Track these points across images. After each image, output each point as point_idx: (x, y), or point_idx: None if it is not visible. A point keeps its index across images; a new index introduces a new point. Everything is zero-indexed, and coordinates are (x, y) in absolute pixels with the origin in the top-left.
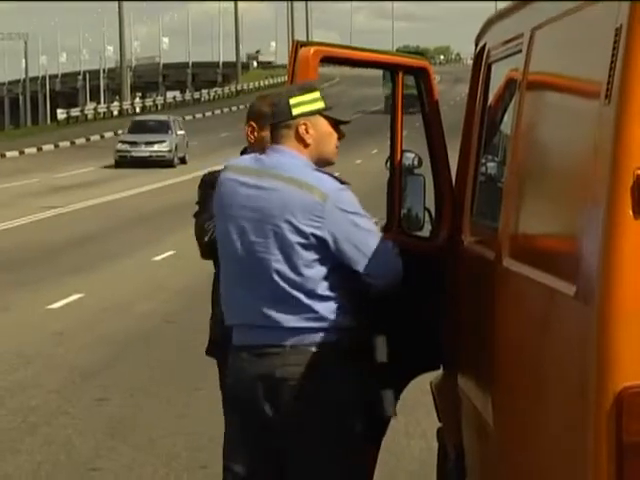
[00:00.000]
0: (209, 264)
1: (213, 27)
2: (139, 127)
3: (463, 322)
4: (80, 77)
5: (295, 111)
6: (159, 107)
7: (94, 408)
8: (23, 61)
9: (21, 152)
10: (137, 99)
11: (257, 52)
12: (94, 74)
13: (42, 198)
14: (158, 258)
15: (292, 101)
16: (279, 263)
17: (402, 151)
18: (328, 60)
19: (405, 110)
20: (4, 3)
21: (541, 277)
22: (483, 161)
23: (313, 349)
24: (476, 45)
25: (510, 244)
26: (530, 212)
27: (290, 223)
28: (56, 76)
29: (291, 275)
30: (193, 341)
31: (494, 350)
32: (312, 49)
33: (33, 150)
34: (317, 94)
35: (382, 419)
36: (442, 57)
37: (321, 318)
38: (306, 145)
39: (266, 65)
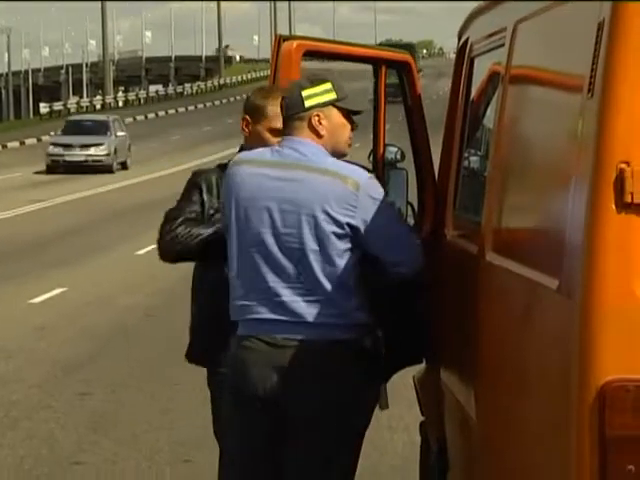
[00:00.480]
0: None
1: (196, 21)
2: (74, 128)
3: (446, 316)
4: (63, 71)
5: (308, 103)
6: (142, 101)
7: (76, 402)
8: (6, 55)
9: (4, 146)
10: (120, 93)
11: (226, 47)
12: (77, 68)
13: (25, 192)
14: (141, 252)
15: (304, 93)
16: (314, 253)
17: (385, 145)
18: (311, 54)
19: (393, 99)
20: None
21: (524, 271)
22: (466, 155)
23: (335, 345)
24: (459, 39)
25: (493, 238)
26: (513, 206)
27: (326, 213)
28: (39, 70)
29: (324, 265)
30: (175, 336)
31: (477, 344)
32: (295, 43)
33: (16, 144)
34: (329, 85)
35: None
36: (425, 51)
37: (345, 315)
38: (320, 136)
39: (246, 60)
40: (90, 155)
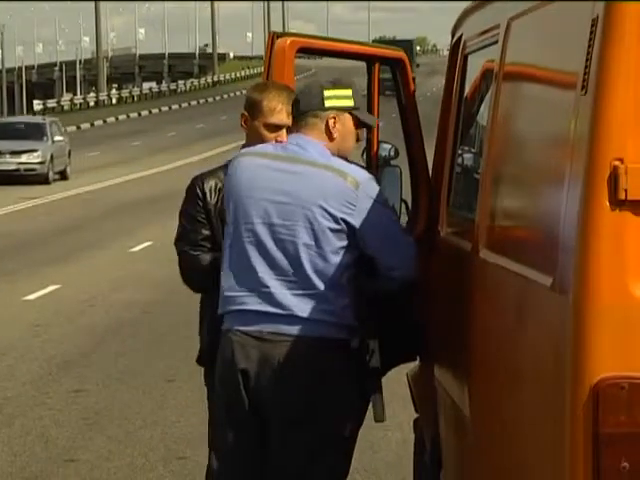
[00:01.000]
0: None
1: (189, 18)
2: (4, 132)
3: (440, 313)
4: (56, 68)
5: (328, 103)
6: (135, 98)
7: (71, 399)
8: None
9: None
10: (113, 90)
11: (205, 46)
12: (70, 65)
13: (20, 189)
14: (135, 249)
15: (327, 93)
16: (307, 247)
17: (378, 142)
18: (304, 51)
19: (392, 93)
20: None
21: (518, 268)
22: (460, 152)
23: (322, 342)
24: (452, 36)
25: (487, 235)
26: (507, 203)
27: (323, 208)
28: (32, 67)
29: (317, 260)
30: (169, 332)
31: (470, 341)
32: (288, 40)
33: None
34: (350, 92)
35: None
36: (418, 48)
37: (335, 312)
38: (332, 139)
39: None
40: (22, 163)
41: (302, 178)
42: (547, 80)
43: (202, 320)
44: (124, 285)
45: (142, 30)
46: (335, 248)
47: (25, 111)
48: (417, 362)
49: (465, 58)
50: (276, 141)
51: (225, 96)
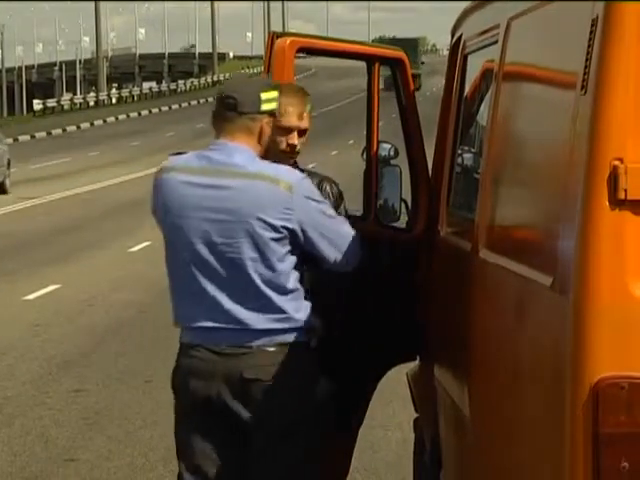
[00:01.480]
0: None
1: (189, 18)
2: None
3: (440, 313)
4: (56, 68)
5: (264, 106)
6: (135, 98)
7: (71, 399)
8: None
9: None
10: (113, 90)
11: (192, 46)
12: (70, 65)
13: (19, 189)
14: (134, 249)
15: (264, 96)
16: (253, 261)
17: (378, 142)
18: (304, 51)
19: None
20: None
21: (517, 268)
22: (459, 152)
23: (282, 349)
24: (452, 36)
25: (487, 235)
26: (507, 203)
27: (262, 220)
28: (32, 67)
29: (265, 271)
30: (168, 332)
31: (470, 341)
32: (288, 40)
33: (9, 141)
34: (277, 94)
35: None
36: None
37: (289, 318)
38: (261, 142)
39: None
40: None
41: (236, 193)
42: (547, 80)
43: None
44: (124, 285)
45: (142, 30)
46: (280, 256)
47: (25, 111)
48: (417, 362)
49: (465, 58)
50: (287, 144)
51: None
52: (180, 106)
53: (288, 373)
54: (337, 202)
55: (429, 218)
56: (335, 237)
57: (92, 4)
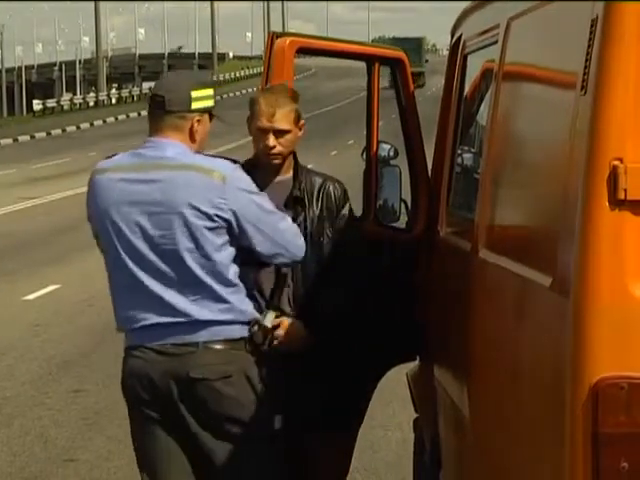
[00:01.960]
0: None
1: (189, 18)
2: None
3: (439, 313)
4: (56, 68)
5: (194, 104)
6: (135, 98)
7: (70, 399)
8: None
9: None
10: (113, 90)
11: (179, 48)
12: (70, 65)
13: (19, 189)
14: None
15: (194, 94)
16: (190, 251)
17: (378, 142)
18: (304, 51)
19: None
20: None
21: (517, 268)
22: (459, 152)
23: (228, 346)
24: (452, 36)
25: (486, 235)
26: (506, 203)
27: (195, 208)
28: (32, 67)
29: (202, 261)
30: None
31: (470, 341)
32: (288, 40)
33: (9, 141)
34: (212, 91)
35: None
36: None
37: (233, 309)
38: (194, 140)
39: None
40: None
41: (166, 184)
42: (547, 80)
43: None
44: None
45: (142, 30)
46: (217, 246)
47: (25, 111)
48: (417, 362)
49: (465, 58)
50: (263, 145)
51: (225, 96)
52: None
53: (235, 371)
54: (339, 202)
55: (429, 218)
56: (271, 231)
57: (92, 4)
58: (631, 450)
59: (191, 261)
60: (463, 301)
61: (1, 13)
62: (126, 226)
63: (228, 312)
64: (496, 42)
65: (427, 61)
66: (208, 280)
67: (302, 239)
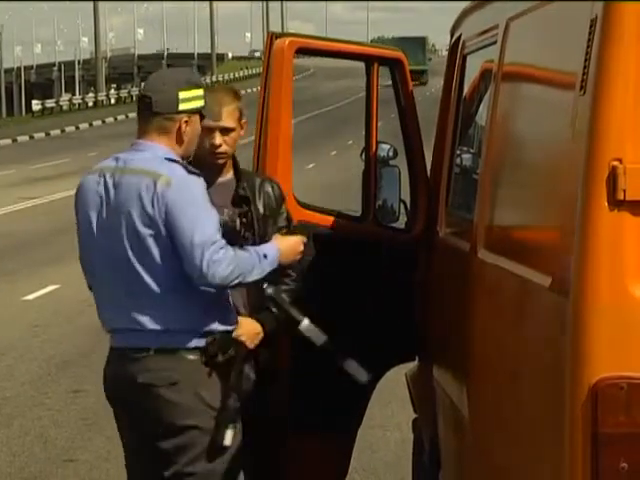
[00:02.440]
0: None
1: (188, 18)
2: None
3: (439, 313)
4: (55, 68)
5: (182, 106)
6: (134, 98)
7: (70, 399)
8: None
9: None
10: (112, 90)
11: (166, 49)
12: (69, 65)
13: (18, 189)
14: None
15: (182, 95)
16: (138, 258)
17: (377, 142)
18: (303, 52)
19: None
20: None
21: (516, 268)
22: (458, 153)
23: (178, 353)
24: (451, 36)
25: (485, 236)
26: (505, 204)
27: (139, 215)
28: (31, 67)
29: (151, 269)
30: None
31: (469, 342)
32: (287, 40)
33: (8, 141)
34: (201, 92)
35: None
36: None
37: (181, 320)
38: (181, 142)
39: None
40: None
41: (121, 189)
42: (546, 80)
43: None
44: None
45: (141, 30)
46: (164, 254)
47: (24, 112)
48: (416, 362)
49: (464, 58)
50: (209, 143)
51: None
52: None
53: (182, 379)
54: (278, 202)
55: (428, 219)
56: (187, 245)
57: (91, 4)
58: (630, 450)
59: (141, 268)
60: (462, 301)
61: (0, 13)
62: (92, 229)
63: (178, 322)
64: (495, 42)
65: (430, 59)
66: (157, 289)
67: (226, 271)
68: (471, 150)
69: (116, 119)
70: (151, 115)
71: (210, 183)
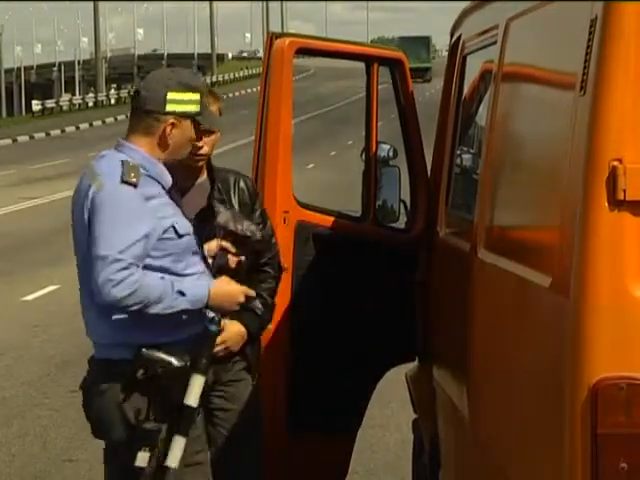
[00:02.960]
0: None
1: (188, 18)
2: None
3: (439, 313)
4: (55, 68)
5: (169, 107)
6: None
7: (69, 399)
8: None
9: None
10: (112, 90)
11: (154, 51)
12: (69, 65)
13: (18, 189)
14: None
15: (170, 95)
16: (80, 268)
17: (377, 142)
18: (303, 52)
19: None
20: None
21: (516, 268)
22: (458, 153)
23: (102, 364)
24: (451, 36)
25: (485, 236)
26: (505, 204)
27: (81, 220)
28: (31, 67)
29: (88, 278)
30: None
31: (469, 342)
32: (287, 41)
33: (8, 142)
34: (197, 96)
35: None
36: None
37: (110, 334)
38: (164, 145)
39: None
40: None
41: (77, 194)
42: (546, 81)
43: None
44: None
45: (141, 30)
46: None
47: (24, 112)
48: (416, 362)
49: (464, 58)
50: (194, 147)
51: (224, 96)
52: None
53: (107, 390)
54: (252, 198)
55: (428, 219)
56: (93, 257)
57: (91, 4)
58: (630, 450)
59: (83, 275)
60: (462, 301)
61: (0, 13)
62: (73, 233)
63: (106, 336)
64: (495, 42)
65: (434, 58)
66: (89, 300)
67: (122, 293)
68: (471, 150)
69: (116, 119)
70: (140, 113)
71: (189, 186)
